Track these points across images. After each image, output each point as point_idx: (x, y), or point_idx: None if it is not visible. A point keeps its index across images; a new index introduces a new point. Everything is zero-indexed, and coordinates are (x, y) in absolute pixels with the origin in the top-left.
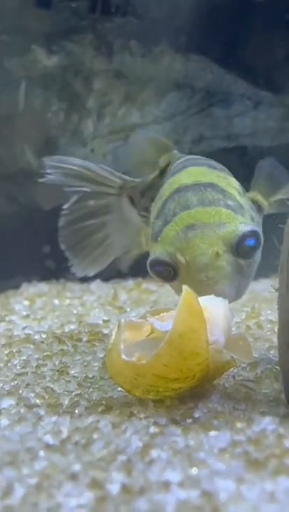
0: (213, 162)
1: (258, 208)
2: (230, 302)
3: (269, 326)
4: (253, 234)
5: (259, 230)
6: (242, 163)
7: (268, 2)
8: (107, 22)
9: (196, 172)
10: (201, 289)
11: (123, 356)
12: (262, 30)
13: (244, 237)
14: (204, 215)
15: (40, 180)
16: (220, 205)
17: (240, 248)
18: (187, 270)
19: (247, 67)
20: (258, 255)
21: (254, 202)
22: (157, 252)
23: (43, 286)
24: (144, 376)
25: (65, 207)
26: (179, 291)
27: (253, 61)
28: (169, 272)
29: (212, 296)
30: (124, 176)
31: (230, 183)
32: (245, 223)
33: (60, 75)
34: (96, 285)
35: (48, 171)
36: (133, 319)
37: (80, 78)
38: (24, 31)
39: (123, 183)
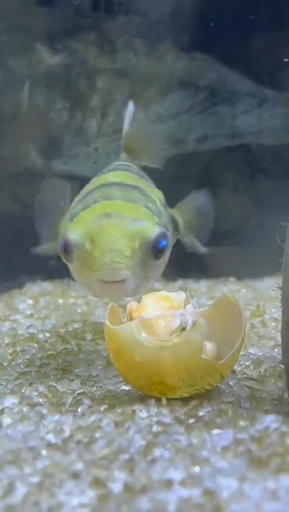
0: (142, 173)
1: (175, 226)
2: (125, 296)
3: (273, 324)
4: (166, 237)
5: (170, 238)
6: (246, 161)
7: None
8: (111, 20)
9: (125, 175)
10: (96, 286)
11: (203, 356)
12: (266, 28)
13: (158, 237)
14: (124, 208)
15: None
16: (140, 204)
17: (151, 247)
18: (92, 254)
19: (251, 65)
20: (162, 261)
21: (173, 219)
22: (67, 230)
23: (47, 286)
24: (212, 375)
25: None
26: (76, 275)
27: (257, 59)
28: (68, 251)
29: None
30: None
31: (155, 193)
32: (160, 225)
33: (64, 73)
34: None
35: None
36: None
37: (83, 77)
38: (27, 30)
39: None
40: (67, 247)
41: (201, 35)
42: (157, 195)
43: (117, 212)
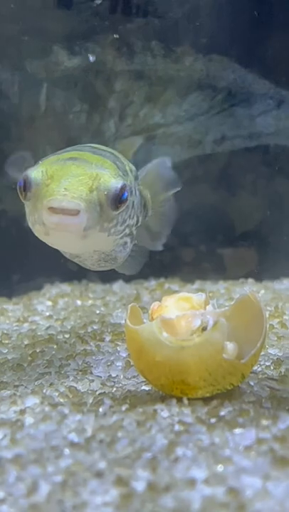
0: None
1: (144, 204)
2: (76, 236)
3: None
4: (127, 191)
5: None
6: (264, 162)
7: None
8: (128, 22)
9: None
10: (48, 214)
11: (224, 356)
12: (284, 29)
13: (120, 186)
14: (91, 157)
15: None
16: (109, 159)
17: (112, 194)
18: (48, 186)
19: (269, 66)
20: (120, 218)
21: (142, 195)
22: (29, 168)
23: (66, 287)
24: (234, 374)
25: None
26: (30, 215)
27: (275, 60)
28: (25, 186)
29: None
30: None
31: (128, 163)
32: (123, 179)
33: (82, 76)
34: (118, 286)
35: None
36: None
37: (101, 79)
38: (45, 32)
39: None
40: (26, 184)
41: (218, 36)
42: (129, 166)
43: (83, 158)
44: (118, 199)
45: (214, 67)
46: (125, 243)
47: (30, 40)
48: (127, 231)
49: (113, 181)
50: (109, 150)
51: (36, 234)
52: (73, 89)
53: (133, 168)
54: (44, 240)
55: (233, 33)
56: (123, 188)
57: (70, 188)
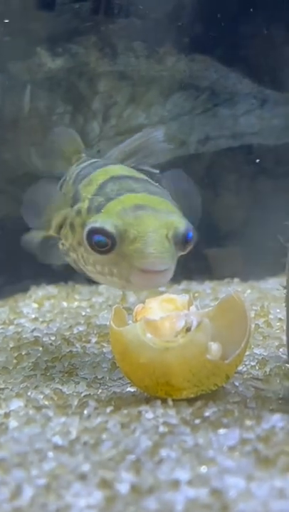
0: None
1: None
2: (161, 286)
3: (278, 324)
4: (192, 229)
5: None
6: (248, 162)
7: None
8: (111, 23)
9: (125, 169)
10: (136, 276)
11: (208, 356)
12: (266, 28)
13: (188, 229)
14: (151, 201)
15: None
16: (164, 197)
17: (182, 239)
18: (131, 244)
19: (252, 65)
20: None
21: None
22: (99, 220)
23: (52, 289)
24: (218, 375)
25: None
26: (106, 267)
27: (257, 59)
28: (106, 243)
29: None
30: None
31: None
32: (185, 220)
33: (65, 77)
34: (105, 287)
35: None
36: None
37: (84, 80)
38: (28, 34)
39: None
40: (96, 238)
41: (200, 36)
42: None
43: (148, 204)
44: (187, 242)
45: (197, 67)
46: None
47: (12, 42)
48: None
49: (183, 227)
50: (142, 177)
51: (100, 280)
52: (56, 91)
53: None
54: (113, 286)
55: (216, 32)
56: (190, 230)
57: (158, 248)
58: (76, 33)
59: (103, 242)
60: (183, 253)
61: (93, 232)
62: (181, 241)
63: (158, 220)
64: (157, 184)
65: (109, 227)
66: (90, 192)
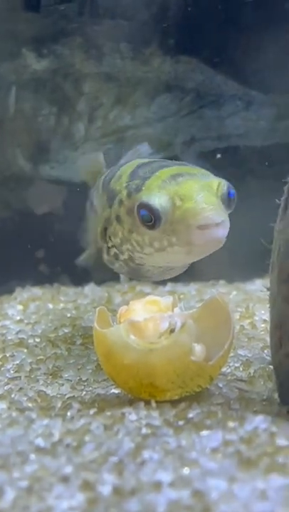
0: None
1: None
2: (221, 244)
3: (263, 325)
4: (233, 188)
5: None
6: (234, 163)
7: (256, 2)
8: (96, 25)
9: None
10: (197, 235)
11: (192, 358)
12: (251, 30)
13: (230, 187)
14: (186, 170)
15: None
16: (195, 167)
17: (227, 196)
18: (183, 208)
19: (237, 67)
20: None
21: None
22: (144, 196)
23: (37, 291)
24: (202, 376)
25: None
26: (162, 241)
27: (243, 61)
28: (158, 215)
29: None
30: None
31: None
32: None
33: (51, 78)
34: (90, 289)
35: None
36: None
37: (70, 81)
38: (13, 35)
39: None
40: (153, 214)
41: (186, 37)
42: None
43: (185, 172)
44: (231, 200)
45: (182, 69)
46: None
47: None
48: None
49: (225, 185)
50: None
51: (167, 258)
52: (42, 92)
53: None
54: (176, 260)
55: (201, 34)
56: (231, 188)
57: (209, 202)
58: (62, 35)
59: (148, 218)
60: (230, 211)
61: (142, 207)
62: (227, 198)
63: (199, 181)
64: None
65: (155, 202)
66: (124, 182)
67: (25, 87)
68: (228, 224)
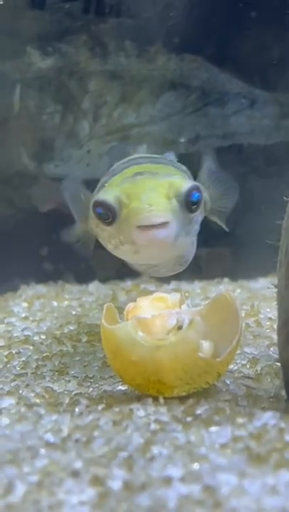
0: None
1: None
2: (168, 246)
3: (268, 323)
4: (198, 190)
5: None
6: (238, 161)
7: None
8: (101, 23)
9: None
10: (137, 235)
11: (200, 354)
12: (256, 28)
13: (191, 188)
14: (153, 167)
15: None
16: (170, 166)
17: (185, 198)
18: (129, 206)
19: (242, 65)
20: (196, 219)
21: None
22: (100, 194)
23: (42, 288)
24: (209, 373)
25: None
26: (116, 238)
27: (247, 59)
28: (107, 215)
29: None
30: None
31: (182, 166)
32: (191, 181)
33: (55, 76)
34: (94, 286)
35: None
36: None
37: (75, 79)
38: (18, 33)
39: None
40: (106, 210)
41: (191, 36)
42: (183, 167)
43: (148, 170)
44: (194, 201)
45: (187, 67)
46: (193, 242)
47: (2, 41)
48: (198, 229)
49: (185, 185)
50: (161, 156)
51: (120, 255)
52: (47, 90)
53: (185, 168)
54: (131, 259)
55: (206, 32)
56: (196, 189)
57: (153, 202)
58: (66, 33)
59: (103, 215)
60: (193, 214)
61: (95, 206)
62: (185, 200)
63: (155, 181)
64: (173, 160)
65: (107, 199)
66: (102, 178)
67: (30, 85)
68: (174, 226)
